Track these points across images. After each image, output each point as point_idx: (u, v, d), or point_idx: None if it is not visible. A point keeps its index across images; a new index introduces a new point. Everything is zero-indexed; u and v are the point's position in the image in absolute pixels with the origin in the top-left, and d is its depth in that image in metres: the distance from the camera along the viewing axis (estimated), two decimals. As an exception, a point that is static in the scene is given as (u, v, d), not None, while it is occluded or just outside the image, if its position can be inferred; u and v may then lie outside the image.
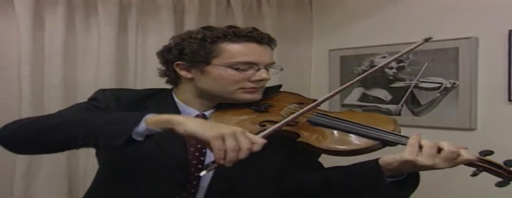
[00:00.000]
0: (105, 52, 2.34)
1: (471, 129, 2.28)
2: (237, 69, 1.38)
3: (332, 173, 1.43)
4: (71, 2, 2.31)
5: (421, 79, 2.43)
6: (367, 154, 1.31)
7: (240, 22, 2.63)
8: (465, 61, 2.27)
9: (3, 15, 2.21)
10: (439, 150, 1.24)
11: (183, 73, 1.43)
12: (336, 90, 1.43)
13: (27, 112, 2.18)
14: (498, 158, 2.23)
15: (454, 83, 2.32)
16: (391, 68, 2.53)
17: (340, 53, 2.75)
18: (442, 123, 2.35)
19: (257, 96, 1.44)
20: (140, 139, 1.17)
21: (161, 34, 2.47)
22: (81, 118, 1.27)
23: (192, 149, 1.39)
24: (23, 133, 1.25)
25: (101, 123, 1.21)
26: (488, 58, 2.23)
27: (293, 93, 1.56)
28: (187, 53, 1.40)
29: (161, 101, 1.47)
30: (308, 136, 1.32)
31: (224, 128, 1.15)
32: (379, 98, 2.59)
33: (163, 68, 1.49)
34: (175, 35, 1.48)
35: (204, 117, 1.43)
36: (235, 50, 1.38)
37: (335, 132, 1.34)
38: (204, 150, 1.40)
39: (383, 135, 1.30)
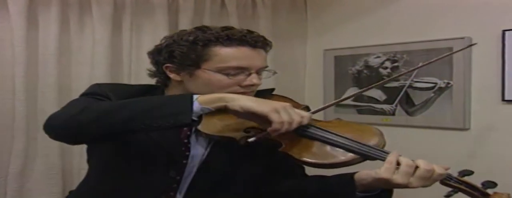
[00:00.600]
0: (99, 52, 2.34)
1: (465, 129, 2.28)
2: (227, 74, 1.35)
3: (309, 183, 1.45)
4: (65, 2, 2.30)
5: (415, 79, 2.43)
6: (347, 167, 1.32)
7: (234, 22, 2.63)
8: (459, 61, 2.28)
9: (-4, 15, 2.21)
10: (416, 168, 1.23)
11: (172, 75, 1.41)
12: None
13: (20, 111, 2.18)
14: (491, 158, 2.25)
15: (448, 83, 2.32)
16: (386, 68, 2.54)
17: (335, 53, 2.75)
18: (436, 123, 2.36)
19: None
20: (195, 118, 1.20)
21: (156, 34, 2.46)
22: (134, 101, 1.25)
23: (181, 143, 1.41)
24: (81, 120, 1.21)
25: (159, 104, 1.22)
26: (482, 58, 2.24)
27: (284, 97, 1.53)
28: (177, 56, 1.37)
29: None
30: (289, 147, 1.32)
31: (275, 103, 1.22)
32: (373, 98, 2.59)
33: (154, 68, 1.48)
34: (167, 36, 1.46)
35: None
36: (227, 54, 1.35)
37: (317, 144, 1.33)
38: (189, 145, 1.40)
39: (365, 150, 1.28)
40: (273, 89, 1.55)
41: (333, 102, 1.47)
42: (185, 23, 2.50)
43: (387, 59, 2.53)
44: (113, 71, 2.38)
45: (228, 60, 1.35)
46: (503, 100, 2.16)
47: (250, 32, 1.40)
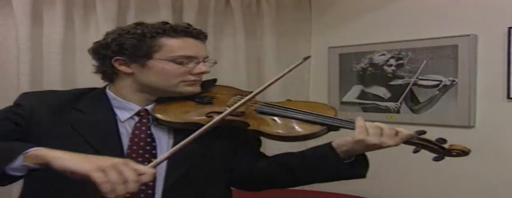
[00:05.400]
0: (103, 50, 2.34)
1: (470, 127, 2.28)
2: (180, 63, 1.40)
3: (287, 159, 1.48)
4: (69, 0, 2.30)
5: (420, 77, 2.43)
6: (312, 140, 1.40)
7: (239, 20, 2.63)
8: (464, 59, 2.27)
9: (1, 12, 2.21)
10: (381, 129, 1.34)
11: (122, 68, 1.42)
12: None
13: (25, 109, 2.18)
14: (497, 155, 2.25)
15: (453, 81, 2.31)
16: (390, 65, 2.53)
17: (339, 51, 2.75)
18: (441, 121, 2.35)
19: (197, 88, 1.48)
20: (20, 173, 1.17)
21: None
22: None
23: (142, 143, 1.39)
24: None
25: None
26: (487, 55, 2.23)
27: (228, 86, 1.60)
28: (128, 48, 1.39)
29: (93, 99, 1.45)
30: (257, 124, 1.38)
31: (102, 160, 1.12)
32: (378, 96, 2.59)
33: (97, 64, 1.48)
34: (108, 31, 1.48)
35: (146, 111, 1.44)
36: (175, 44, 1.40)
37: (283, 119, 1.40)
38: (152, 136, 1.40)
39: (328, 120, 1.37)
40: (215, 80, 1.60)
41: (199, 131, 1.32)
42: (190, 21, 2.49)
43: (392, 57, 2.52)
44: (117, 69, 2.38)
45: (177, 50, 1.40)
46: (508, 97, 2.15)
47: (190, 25, 1.47)
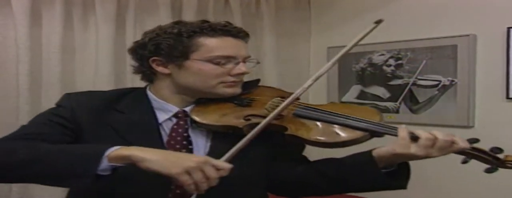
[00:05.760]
0: (102, 50, 2.34)
1: (469, 126, 2.28)
2: (217, 63, 1.35)
3: (325, 166, 1.43)
4: (68, 0, 2.30)
5: (419, 77, 2.43)
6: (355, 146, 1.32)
7: (238, 20, 2.63)
8: (464, 59, 2.27)
9: (0, 12, 2.21)
10: (435, 140, 1.26)
11: (159, 69, 1.39)
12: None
13: (24, 109, 2.18)
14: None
15: (452, 81, 2.31)
16: (390, 65, 2.53)
17: (339, 51, 2.73)
18: (440, 121, 2.35)
19: (237, 90, 1.42)
20: (107, 173, 1.17)
21: (159, 32, 2.47)
22: (45, 156, 1.22)
23: (178, 146, 1.38)
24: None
25: (65, 162, 1.19)
26: (487, 56, 2.23)
27: (271, 87, 1.55)
28: (164, 48, 1.36)
29: (134, 100, 1.43)
30: (295, 129, 1.32)
31: (187, 161, 1.15)
32: (377, 95, 2.59)
33: (136, 65, 1.46)
34: (147, 31, 1.45)
35: (184, 113, 1.41)
36: (213, 44, 1.35)
37: (323, 124, 1.34)
38: (189, 139, 1.38)
39: (372, 126, 1.30)
40: (258, 81, 1.55)
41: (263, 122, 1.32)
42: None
43: (391, 57, 2.52)
44: (116, 69, 2.38)
45: (215, 50, 1.35)
46: (508, 97, 2.15)
47: (229, 23, 1.42)
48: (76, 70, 2.36)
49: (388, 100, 2.55)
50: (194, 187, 1.15)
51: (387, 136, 1.29)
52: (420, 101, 2.43)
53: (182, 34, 1.35)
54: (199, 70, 1.36)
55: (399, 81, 2.50)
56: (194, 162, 1.14)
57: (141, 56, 1.42)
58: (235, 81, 1.39)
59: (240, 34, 1.40)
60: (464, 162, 1.29)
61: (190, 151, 1.37)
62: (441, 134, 1.27)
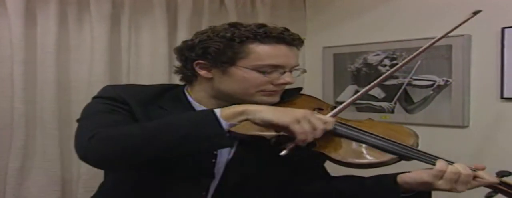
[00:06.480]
0: (97, 50, 2.33)
1: (464, 126, 2.28)
2: (262, 72, 1.32)
3: (345, 184, 1.41)
4: (63, -1, 2.30)
5: (414, 77, 2.43)
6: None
7: (233, 20, 2.60)
8: (458, 59, 2.28)
9: (-6, 12, 2.20)
10: (458, 177, 1.23)
11: (203, 72, 1.36)
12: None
13: (19, 109, 2.17)
14: (491, 155, 2.25)
15: (447, 81, 2.32)
16: (385, 65, 2.53)
17: (334, 51, 2.75)
18: (435, 120, 2.36)
19: (276, 99, 1.40)
20: (227, 134, 1.18)
21: (154, 32, 2.47)
22: (165, 127, 1.18)
23: None
24: (122, 148, 1.17)
25: (190, 127, 1.16)
26: (481, 56, 2.24)
27: (312, 97, 1.52)
28: (212, 52, 1.32)
29: (174, 99, 1.41)
30: (324, 145, 1.29)
31: (296, 112, 1.19)
32: (372, 95, 2.59)
33: (180, 65, 1.43)
34: (198, 32, 1.41)
35: None
36: (264, 52, 1.32)
37: (352, 143, 1.31)
38: (214, 152, 1.37)
39: (401, 150, 1.27)
40: (301, 89, 1.53)
41: (353, 97, 1.38)
42: (184, 22, 2.50)
43: (386, 57, 2.53)
44: (111, 69, 2.37)
45: (265, 58, 1.32)
46: (502, 97, 2.16)
47: (287, 30, 1.38)
48: (71, 70, 2.35)
49: (383, 99, 2.55)
50: (303, 137, 1.17)
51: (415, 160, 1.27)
52: (415, 100, 2.44)
53: (234, 39, 1.32)
54: (242, 78, 1.33)
55: (394, 81, 2.50)
56: (301, 113, 1.19)
57: (186, 58, 1.39)
58: (276, 90, 1.37)
59: (294, 42, 1.37)
60: (489, 196, 1.26)
61: (214, 156, 1.35)
62: (463, 168, 1.24)
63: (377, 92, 2.58)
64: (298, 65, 1.41)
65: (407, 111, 2.47)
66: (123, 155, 1.17)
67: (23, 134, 2.20)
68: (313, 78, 2.88)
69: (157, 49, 2.47)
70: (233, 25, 1.37)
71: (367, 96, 2.62)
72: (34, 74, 2.25)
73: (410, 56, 1.39)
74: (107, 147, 1.17)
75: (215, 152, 1.35)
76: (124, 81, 2.42)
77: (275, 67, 1.34)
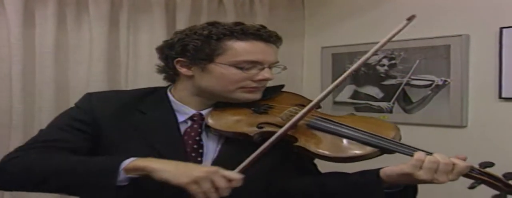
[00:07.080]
0: (96, 49, 2.33)
1: (462, 126, 2.28)
2: (241, 68, 1.34)
3: (329, 180, 1.40)
4: (62, -1, 2.30)
5: (412, 77, 2.43)
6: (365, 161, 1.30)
7: (231, 20, 2.60)
8: (457, 58, 2.28)
9: (-7, 12, 2.20)
10: (437, 166, 1.22)
11: (183, 70, 1.39)
12: (328, 88, 1.41)
13: (18, 109, 2.18)
14: (489, 155, 2.25)
15: (446, 80, 2.32)
16: (383, 65, 2.54)
17: (332, 51, 2.75)
18: (433, 120, 2.36)
19: (257, 96, 1.41)
20: (125, 183, 1.20)
21: (153, 32, 2.47)
22: (63, 171, 1.25)
23: (188, 149, 1.38)
24: (19, 179, 1.27)
25: (84, 175, 1.22)
26: (479, 55, 2.24)
27: (294, 94, 1.53)
28: (190, 49, 1.35)
29: (156, 101, 1.43)
30: (305, 141, 1.30)
31: (196, 171, 1.17)
32: (370, 95, 2.59)
33: (162, 64, 1.45)
34: (178, 31, 1.44)
35: (200, 116, 1.41)
36: (241, 48, 1.34)
37: (334, 137, 1.31)
38: (201, 142, 1.38)
39: (382, 142, 1.27)
40: (282, 86, 1.53)
41: (302, 112, 1.34)
42: (183, 21, 2.50)
43: (385, 57, 2.53)
44: (110, 68, 2.38)
45: (242, 54, 1.34)
46: (500, 97, 2.16)
47: (263, 27, 1.41)
48: (69, 70, 2.35)
49: (382, 99, 2.55)
50: (204, 196, 1.16)
51: (398, 154, 1.27)
52: (414, 100, 2.44)
53: (211, 37, 1.34)
54: (220, 74, 1.35)
55: (392, 81, 2.50)
56: (203, 172, 1.16)
57: (167, 56, 1.41)
58: (256, 87, 1.38)
59: (271, 38, 1.40)
60: (472, 187, 1.24)
61: (200, 155, 1.37)
62: (442, 157, 1.23)
63: (375, 92, 2.58)
64: (277, 62, 1.43)
65: (406, 111, 2.47)
66: (26, 186, 1.30)
67: (21, 134, 2.20)
68: (311, 78, 2.88)
69: (155, 49, 2.47)
70: (211, 23, 1.40)
71: (365, 96, 2.62)
72: (32, 74, 2.25)
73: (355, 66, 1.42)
74: (14, 172, 1.27)
75: (201, 151, 1.37)
76: (122, 81, 2.42)
77: (253, 63, 1.36)
